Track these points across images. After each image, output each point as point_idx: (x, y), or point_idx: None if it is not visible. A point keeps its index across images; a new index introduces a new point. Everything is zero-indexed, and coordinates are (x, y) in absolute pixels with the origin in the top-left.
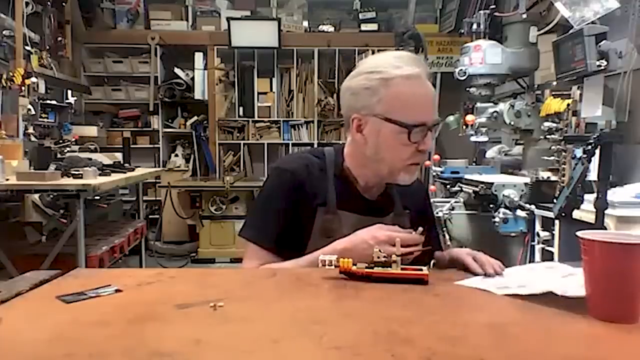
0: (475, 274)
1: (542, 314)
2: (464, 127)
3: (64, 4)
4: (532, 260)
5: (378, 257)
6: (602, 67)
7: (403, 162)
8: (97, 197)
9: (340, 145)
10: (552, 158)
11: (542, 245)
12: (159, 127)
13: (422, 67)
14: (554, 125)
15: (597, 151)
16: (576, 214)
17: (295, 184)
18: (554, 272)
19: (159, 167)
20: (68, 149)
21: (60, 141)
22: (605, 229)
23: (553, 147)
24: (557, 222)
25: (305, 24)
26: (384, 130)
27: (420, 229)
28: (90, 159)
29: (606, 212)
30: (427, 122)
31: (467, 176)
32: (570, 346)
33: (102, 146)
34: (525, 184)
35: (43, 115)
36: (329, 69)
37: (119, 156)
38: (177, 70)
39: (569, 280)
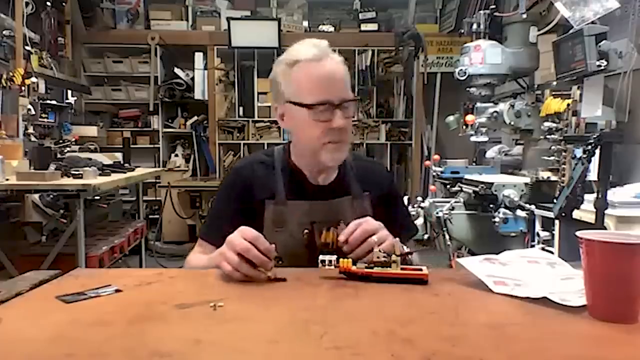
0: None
1: (542, 314)
2: (464, 127)
3: (64, 4)
4: None
5: (378, 257)
6: (602, 67)
7: (319, 141)
8: (97, 197)
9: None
10: (552, 158)
11: (542, 245)
12: (159, 127)
13: (327, 52)
14: (554, 125)
15: (597, 151)
16: (576, 214)
17: (241, 182)
18: (555, 272)
19: (159, 167)
20: (68, 149)
21: (60, 141)
22: (605, 229)
23: (553, 147)
24: (557, 222)
25: (305, 24)
26: (296, 113)
27: (342, 224)
28: (90, 159)
29: (606, 212)
30: (331, 99)
31: (467, 176)
32: (570, 346)
33: (102, 146)
34: (525, 184)
35: (43, 115)
36: None
37: (119, 156)
38: (177, 70)
39: (568, 284)
